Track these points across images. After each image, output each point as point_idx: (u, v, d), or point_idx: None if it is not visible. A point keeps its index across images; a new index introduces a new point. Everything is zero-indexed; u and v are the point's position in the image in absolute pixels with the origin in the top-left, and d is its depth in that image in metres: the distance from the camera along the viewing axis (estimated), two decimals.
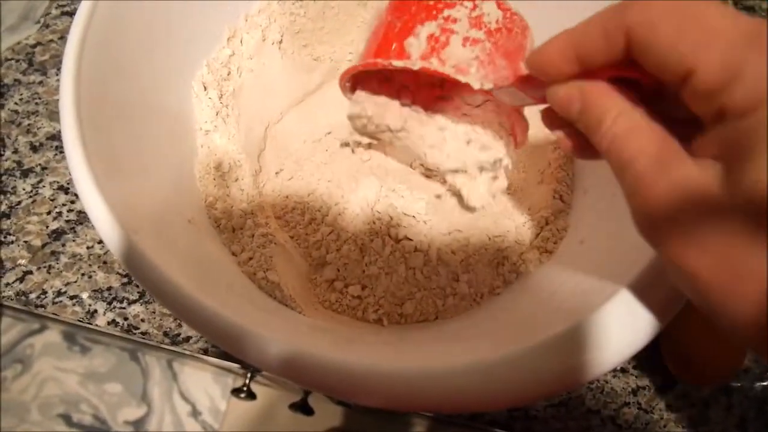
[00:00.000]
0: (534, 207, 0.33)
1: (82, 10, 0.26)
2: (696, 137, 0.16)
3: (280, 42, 0.37)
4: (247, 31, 0.36)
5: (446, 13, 0.25)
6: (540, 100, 0.21)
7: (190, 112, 0.34)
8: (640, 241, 0.22)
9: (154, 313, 0.35)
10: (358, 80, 0.31)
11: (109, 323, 0.35)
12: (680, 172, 0.15)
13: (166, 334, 0.35)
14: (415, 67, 0.24)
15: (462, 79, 0.24)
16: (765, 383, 0.34)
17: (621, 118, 0.16)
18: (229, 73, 0.36)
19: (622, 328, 0.19)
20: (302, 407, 0.55)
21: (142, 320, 0.35)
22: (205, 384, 0.91)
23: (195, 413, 0.90)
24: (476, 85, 0.23)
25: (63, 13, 0.46)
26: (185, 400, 0.90)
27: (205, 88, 0.34)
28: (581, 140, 0.19)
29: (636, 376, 0.34)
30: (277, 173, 0.36)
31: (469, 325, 0.29)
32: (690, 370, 0.32)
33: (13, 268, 0.36)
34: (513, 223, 0.32)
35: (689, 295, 0.16)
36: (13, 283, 0.36)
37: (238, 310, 0.23)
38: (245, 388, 0.52)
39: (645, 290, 0.20)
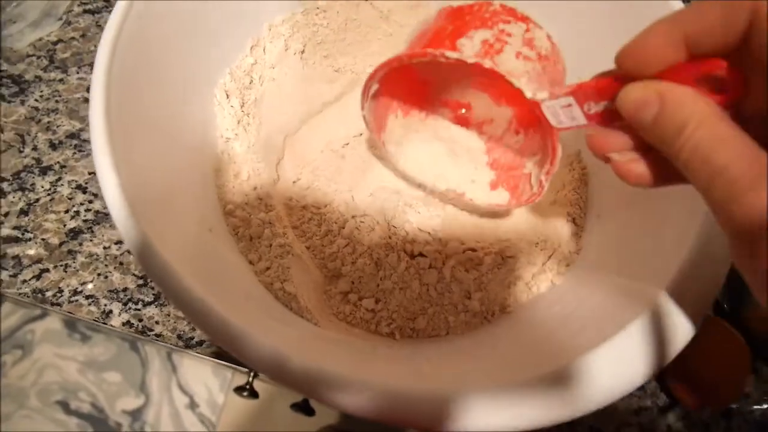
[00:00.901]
0: (547, 228, 0.33)
1: (115, 15, 0.27)
2: None
3: (302, 52, 0.38)
4: (270, 41, 0.37)
5: (501, 26, 0.25)
6: (593, 118, 0.20)
7: (212, 120, 0.34)
8: (653, 270, 0.23)
9: (168, 315, 0.36)
10: (388, 86, 0.30)
11: (123, 324, 0.36)
12: None
13: (179, 337, 0.35)
14: (470, 61, 0.24)
15: (515, 83, 0.23)
16: (764, 407, 0.35)
17: (705, 126, 0.14)
18: (251, 82, 0.36)
19: (634, 357, 0.20)
20: (304, 407, 0.56)
21: (157, 322, 0.36)
22: (204, 377, 0.91)
23: (192, 405, 0.90)
24: (528, 94, 0.23)
25: (85, 11, 0.46)
26: (183, 392, 0.91)
27: (228, 96, 0.35)
28: (639, 165, 0.18)
29: (639, 397, 0.35)
30: (294, 182, 0.37)
31: (480, 342, 0.30)
32: (697, 393, 0.32)
33: (31, 265, 0.37)
34: (526, 244, 0.33)
35: None
36: (29, 280, 0.36)
37: (255, 322, 0.23)
38: (248, 387, 0.52)
39: (658, 319, 0.20)
